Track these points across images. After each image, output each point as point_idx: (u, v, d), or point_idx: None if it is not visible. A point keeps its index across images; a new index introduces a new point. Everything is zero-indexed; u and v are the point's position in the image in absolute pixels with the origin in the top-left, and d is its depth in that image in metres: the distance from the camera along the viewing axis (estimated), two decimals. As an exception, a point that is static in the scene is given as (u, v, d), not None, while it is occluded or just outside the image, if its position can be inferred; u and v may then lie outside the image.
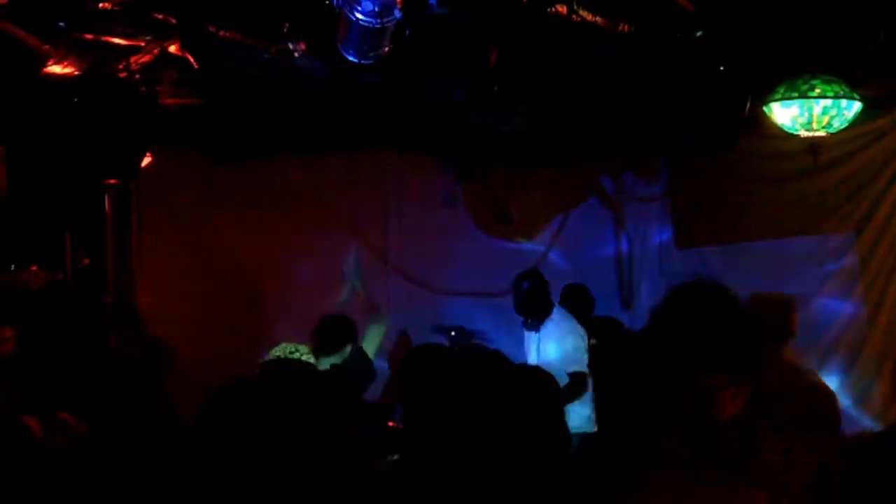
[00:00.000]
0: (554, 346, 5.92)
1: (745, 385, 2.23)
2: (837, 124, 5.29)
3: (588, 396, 5.80)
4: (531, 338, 6.13)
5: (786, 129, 5.39)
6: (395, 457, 3.77)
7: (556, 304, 6.26)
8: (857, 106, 5.25)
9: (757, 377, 2.25)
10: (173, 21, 4.59)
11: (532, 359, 5.97)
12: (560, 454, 2.67)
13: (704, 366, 2.22)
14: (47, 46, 4.56)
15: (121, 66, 5.06)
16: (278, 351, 4.22)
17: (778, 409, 2.36)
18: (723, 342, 2.22)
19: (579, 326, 6.04)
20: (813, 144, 5.49)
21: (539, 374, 2.89)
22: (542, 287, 6.14)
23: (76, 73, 4.88)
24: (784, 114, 5.28)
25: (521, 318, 6.22)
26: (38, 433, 3.74)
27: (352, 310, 5.62)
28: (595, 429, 5.58)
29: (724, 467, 2.27)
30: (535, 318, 6.08)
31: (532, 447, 2.63)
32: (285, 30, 4.63)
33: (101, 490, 3.25)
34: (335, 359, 5.19)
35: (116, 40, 4.73)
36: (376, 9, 3.90)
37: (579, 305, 6.51)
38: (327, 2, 4.03)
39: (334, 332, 5.31)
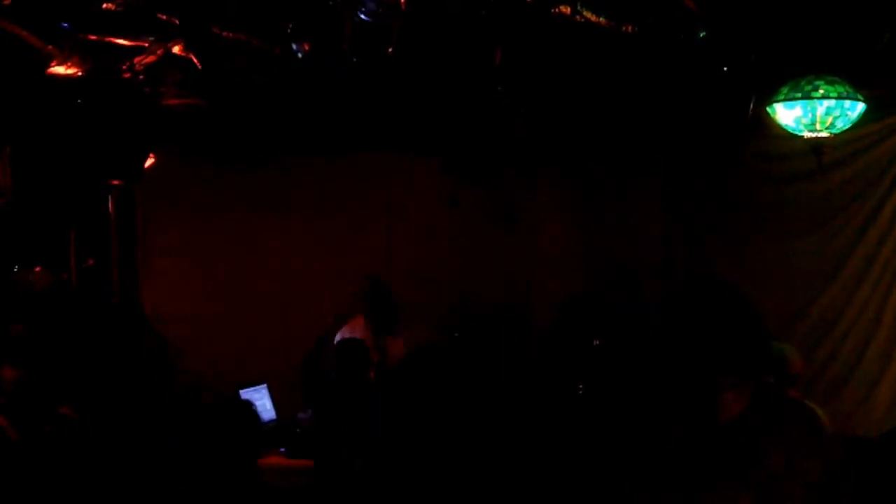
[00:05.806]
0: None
1: (748, 387, 2.22)
2: (841, 125, 5.27)
3: None
4: (377, 340, 6.18)
5: (789, 130, 5.38)
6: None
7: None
8: (860, 107, 5.23)
9: (761, 381, 2.24)
10: (177, 22, 4.59)
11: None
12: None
13: (710, 367, 2.22)
14: (51, 47, 4.56)
15: (125, 67, 5.06)
16: None
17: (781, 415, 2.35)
18: (730, 344, 2.21)
19: None
20: (816, 145, 5.47)
21: None
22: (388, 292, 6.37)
23: (80, 73, 4.88)
24: (787, 114, 5.27)
25: (372, 321, 6.27)
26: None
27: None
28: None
29: (726, 471, 2.27)
30: (389, 320, 6.24)
31: None
32: (289, 30, 4.62)
33: (104, 486, 3.26)
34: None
35: (120, 41, 4.73)
36: (380, 9, 3.90)
37: (587, 315, 6.50)
38: (331, 2, 4.03)
39: (355, 358, 5.29)
